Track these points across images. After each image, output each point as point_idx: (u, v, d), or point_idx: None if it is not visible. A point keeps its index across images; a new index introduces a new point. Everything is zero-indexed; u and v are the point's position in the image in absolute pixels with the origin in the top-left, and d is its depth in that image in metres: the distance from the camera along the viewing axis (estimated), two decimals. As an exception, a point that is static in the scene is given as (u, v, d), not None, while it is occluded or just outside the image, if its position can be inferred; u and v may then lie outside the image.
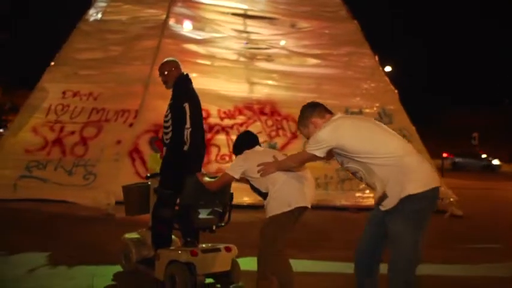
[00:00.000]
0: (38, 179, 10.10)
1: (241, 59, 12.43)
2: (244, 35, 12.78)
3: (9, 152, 10.63)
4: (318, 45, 13.13)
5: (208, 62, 11.87)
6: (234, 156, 4.91)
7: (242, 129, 11.16)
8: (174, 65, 5.47)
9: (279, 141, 11.33)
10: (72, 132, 10.63)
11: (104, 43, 12.01)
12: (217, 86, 11.41)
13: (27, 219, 8.46)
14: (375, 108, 12.22)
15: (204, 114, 10.49)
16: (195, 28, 12.45)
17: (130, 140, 10.07)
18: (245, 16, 13.02)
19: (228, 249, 4.94)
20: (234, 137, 10.91)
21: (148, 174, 5.51)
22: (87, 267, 5.64)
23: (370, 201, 11.08)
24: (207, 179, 4.85)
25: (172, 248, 5.09)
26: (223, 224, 5.04)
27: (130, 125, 10.32)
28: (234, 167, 4.64)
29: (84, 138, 10.54)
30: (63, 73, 11.67)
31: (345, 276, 5.80)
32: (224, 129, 10.93)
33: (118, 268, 5.58)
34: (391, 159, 3.49)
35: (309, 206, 4.44)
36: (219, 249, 4.91)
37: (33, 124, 10.89)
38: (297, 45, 13.05)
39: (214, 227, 4.95)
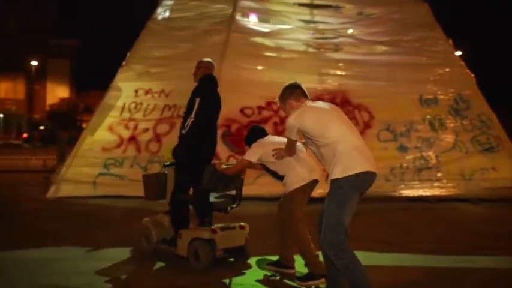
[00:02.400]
0: (116, 176, 10.38)
1: (310, 49, 12.27)
2: (311, 25, 12.63)
3: (88, 151, 10.98)
4: (386, 31, 12.80)
5: (276, 54, 11.81)
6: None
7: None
8: (205, 64, 6.19)
9: (352, 131, 11.07)
10: (146, 130, 10.82)
11: (173, 40, 12.16)
12: (286, 78, 11.07)
13: (107, 215, 8.72)
14: (450, 94, 11.78)
15: (274, 106, 10.65)
16: (261, 21, 12.41)
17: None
18: (311, 6, 12.86)
19: (242, 227, 5.71)
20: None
21: (166, 163, 6.08)
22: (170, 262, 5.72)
23: (449, 191, 10.76)
24: (224, 166, 5.51)
25: (191, 227, 5.75)
26: (235, 206, 5.72)
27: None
28: (251, 153, 5.31)
29: (157, 134, 10.72)
30: (135, 72, 11.93)
31: (427, 270, 5.62)
32: (295, 121, 10.81)
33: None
34: (331, 144, 4.06)
35: (318, 178, 5.11)
36: (234, 227, 5.66)
37: (109, 123, 11.20)
38: (365, 33, 12.77)
39: (228, 208, 5.69)
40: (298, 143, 4.89)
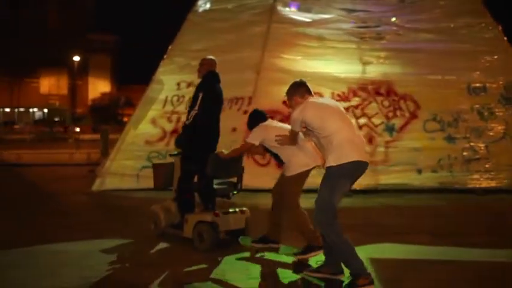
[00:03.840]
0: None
1: (352, 38, 11.99)
2: (353, 14, 12.35)
3: (131, 144, 11.06)
4: (431, 18, 12.39)
5: (318, 44, 11.59)
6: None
7: (357, 111, 10.84)
8: (208, 62, 6.69)
9: (397, 122, 10.85)
10: (189, 123, 10.80)
11: (214, 32, 12.07)
12: (329, 68, 11.13)
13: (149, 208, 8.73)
14: (500, 82, 11.38)
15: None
16: (302, 11, 12.20)
17: (245, 127, 10.03)
18: (353, -6, 12.58)
19: (242, 212, 6.17)
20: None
21: (172, 153, 6.68)
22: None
23: (499, 182, 10.42)
24: (224, 151, 5.94)
25: (196, 212, 6.19)
26: (236, 192, 6.23)
27: (245, 112, 10.27)
28: (253, 136, 5.72)
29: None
30: (177, 65, 11.91)
31: (479, 264, 5.41)
32: (339, 112, 10.62)
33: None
34: (328, 136, 4.57)
35: (320, 163, 5.41)
36: (235, 211, 6.13)
37: (152, 116, 11.24)
38: (408, 21, 12.39)
39: (230, 194, 6.20)
40: (285, 126, 5.58)
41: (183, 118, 10.88)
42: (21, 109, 62.75)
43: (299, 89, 5.00)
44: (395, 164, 10.54)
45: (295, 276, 4.97)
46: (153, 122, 11.21)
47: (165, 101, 11.41)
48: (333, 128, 4.58)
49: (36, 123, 51.38)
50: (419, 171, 10.52)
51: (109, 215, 8.42)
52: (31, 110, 63.29)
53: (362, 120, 10.81)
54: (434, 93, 11.07)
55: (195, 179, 6.36)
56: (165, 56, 12.27)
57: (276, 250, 5.65)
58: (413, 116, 10.87)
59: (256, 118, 5.93)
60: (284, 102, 10.44)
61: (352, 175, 4.61)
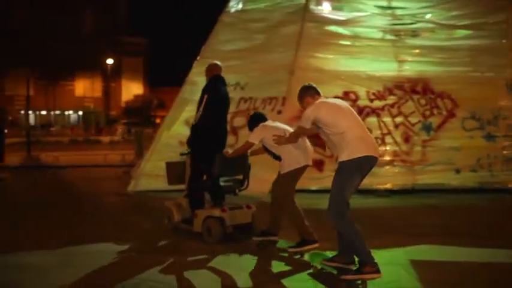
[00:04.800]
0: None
1: (387, 36, 11.78)
2: (388, 11, 12.13)
3: (165, 145, 11.08)
4: (469, 14, 12.07)
5: (353, 43, 11.42)
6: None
7: (393, 110, 10.66)
8: (213, 66, 7.22)
9: (434, 120, 10.64)
10: (222, 123, 10.77)
11: (247, 32, 12.02)
12: (364, 66, 10.95)
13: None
14: (541, 78, 11.03)
15: (352, 96, 10.38)
16: (336, 9, 12.03)
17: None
18: (388, -9, 12.36)
19: (248, 207, 6.61)
20: (385, 119, 10.54)
21: (183, 152, 7.12)
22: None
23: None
24: (229, 151, 6.44)
25: (206, 208, 6.60)
26: (242, 189, 6.57)
27: (279, 112, 10.20)
28: (254, 136, 6.17)
29: (234, 128, 10.63)
30: (210, 66, 11.89)
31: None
32: (374, 111, 10.46)
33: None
34: (340, 133, 4.93)
35: (310, 164, 6.04)
36: (241, 207, 6.56)
37: (186, 117, 11.22)
38: (445, 17, 12.11)
39: (237, 191, 6.56)
40: (283, 127, 6.19)
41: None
42: (57, 112, 63.99)
43: (309, 91, 5.42)
44: (432, 164, 10.36)
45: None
46: (187, 123, 11.17)
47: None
48: (345, 125, 4.94)
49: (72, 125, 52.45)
50: (458, 171, 10.30)
51: (143, 215, 8.46)
52: (66, 112, 64.45)
53: (398, 119, 10.63)
54: (472, 91, 10.80)
55: (204, 177, 6.71)
56: (198, 57, 12.28)
57: (275, 243, 6.11)
58: (451, 114, 10.64)
59: (256, 119, 6.37)
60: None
61: (363, 169, 4.94)
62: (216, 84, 7.00)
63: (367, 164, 4.92)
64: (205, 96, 6.76)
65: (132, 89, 68.39)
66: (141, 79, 71.83)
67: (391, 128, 10.57)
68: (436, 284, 4.72)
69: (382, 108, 10.41)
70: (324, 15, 11.75)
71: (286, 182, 5.95)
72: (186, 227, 6.74)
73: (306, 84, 5.55)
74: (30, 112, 32.21)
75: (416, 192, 9.86)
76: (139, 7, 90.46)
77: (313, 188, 9.75)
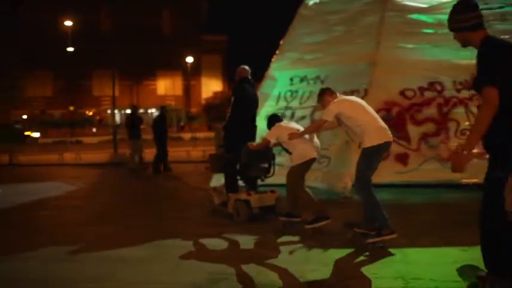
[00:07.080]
0: (276, 165, 10.38)
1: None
2: (474, -5, 11.54)
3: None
4: None
5: (436, 31, 10.92)
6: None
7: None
8: (240, 71, 8.13)
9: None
10: (303, 117, 10.65)
11: (325, 25, 11.84)
12: (449, 55, 10.39)
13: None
14: None
15: (438, 87, 9.92)
16: (417, -4, 11.59)
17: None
18: (473, -25, 11.74)
19: (272, 192, 7.68)
20: (474, 110, 9.99)
21: (221, 145, 8.52)
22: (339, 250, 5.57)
23: None
24: (253, 143, 7.53)
25: (238, 192, 7.68)
26: (269, 176, 7.69)
27: (361, 104, 10.00)
28: (271, 134, 7.18)
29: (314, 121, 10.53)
30: (289, 60, 11.83)
31: None
32: (462, 102, 9.85)
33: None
34: (361, 125, 5.92)
35: (316, 157, 6.96)
36: (266, 192, 7.69)
37: (266, 112, 11.11)
38: (537, -1, 11.39)
39: (263, 177, 7.70)
40: (296, 126, 7.23)
41: (298, 113, 10.88)
42: (141, 110, 66.27)
43: (327, 91, 6.39)
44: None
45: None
46: (267, 118, 11.19)
47: (278, 97, 11.37)
48: (364, 118, 5.96)
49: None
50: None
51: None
52: (149, 110, 66.65)
53: (487, 109, 10.04)
54: None
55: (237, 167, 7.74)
56: (277, 52, 12.26)
57: (298, 223, 6.84)
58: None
59: (273, 120, 7.42)
60: (401, 92, 10.05)
61: (382, 152, 5.97)
62: (242, 86, 7.94)
63: (385, 148, 5.99)
64: (233, 98, 7.93)
65: (211, 86, 69.70)
66: (220, 76, 72.97)
67: (480, 118, 10.00)
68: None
69: (471, 98, 9.83)
70: (405, 3, 11.32)
71: (296, 173, 6.82)
72: (222, 209, 7.83)
73: (323, 87, 6.69)
74: (116, 111, 33.46)
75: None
76: (216, 4, 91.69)
77: (398, 182, 9.47)
